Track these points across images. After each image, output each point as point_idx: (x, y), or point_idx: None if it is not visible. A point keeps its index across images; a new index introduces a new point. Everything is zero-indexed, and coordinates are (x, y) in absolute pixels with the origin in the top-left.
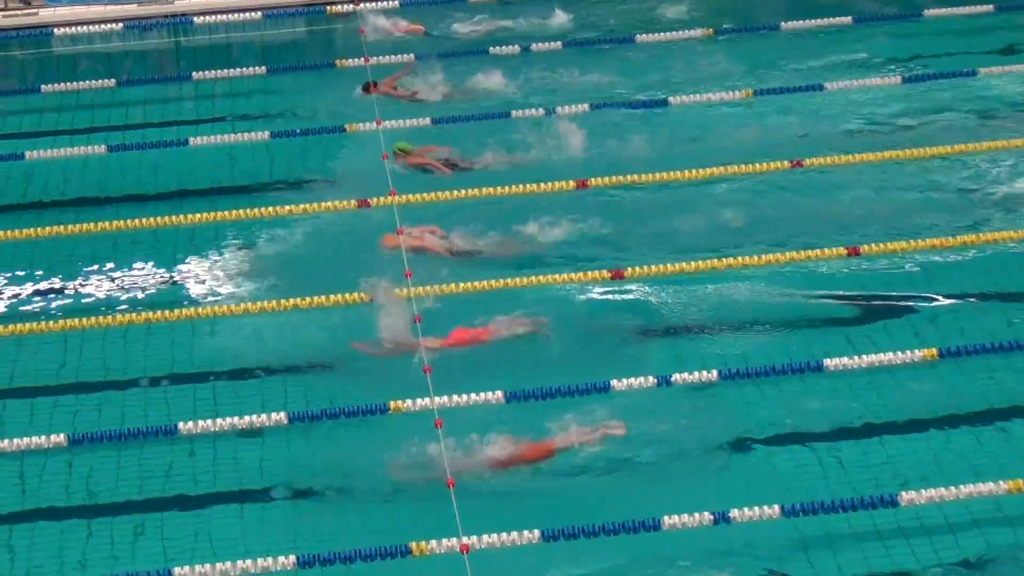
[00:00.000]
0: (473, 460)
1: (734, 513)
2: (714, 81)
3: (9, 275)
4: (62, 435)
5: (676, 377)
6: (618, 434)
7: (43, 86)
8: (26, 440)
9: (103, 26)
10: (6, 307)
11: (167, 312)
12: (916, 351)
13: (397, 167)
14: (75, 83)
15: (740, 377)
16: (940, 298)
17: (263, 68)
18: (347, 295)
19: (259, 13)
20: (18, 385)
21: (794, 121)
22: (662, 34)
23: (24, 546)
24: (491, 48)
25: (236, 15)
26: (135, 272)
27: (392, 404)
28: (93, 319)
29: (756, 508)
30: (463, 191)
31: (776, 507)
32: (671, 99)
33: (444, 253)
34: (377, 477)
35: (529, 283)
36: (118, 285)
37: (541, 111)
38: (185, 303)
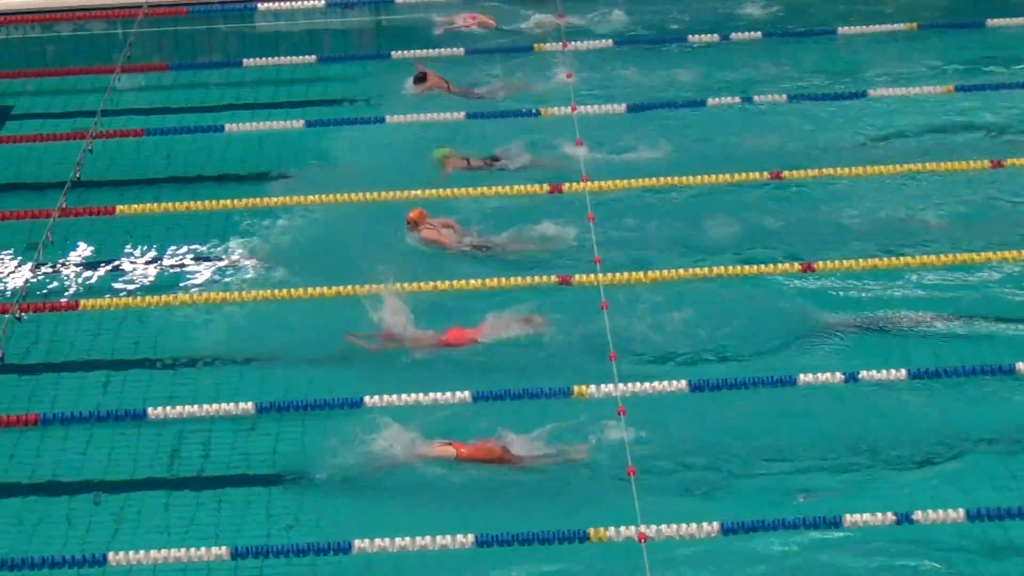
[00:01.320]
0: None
1: (917, 515)
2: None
3: (206, 245)
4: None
5: (864, 374)
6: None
7: (245, 60)
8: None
9: (306, 2)
10: (224, 276)
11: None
12: None
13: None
14: (276, 58)
15: (931, 377)
16: None
17: (461, 49)
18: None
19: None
20: None
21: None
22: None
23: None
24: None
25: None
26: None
27: (576, 389)
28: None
29: (940, 511)
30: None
31: (961, 511)
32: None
33: (455, 248)
34: (559, 461)
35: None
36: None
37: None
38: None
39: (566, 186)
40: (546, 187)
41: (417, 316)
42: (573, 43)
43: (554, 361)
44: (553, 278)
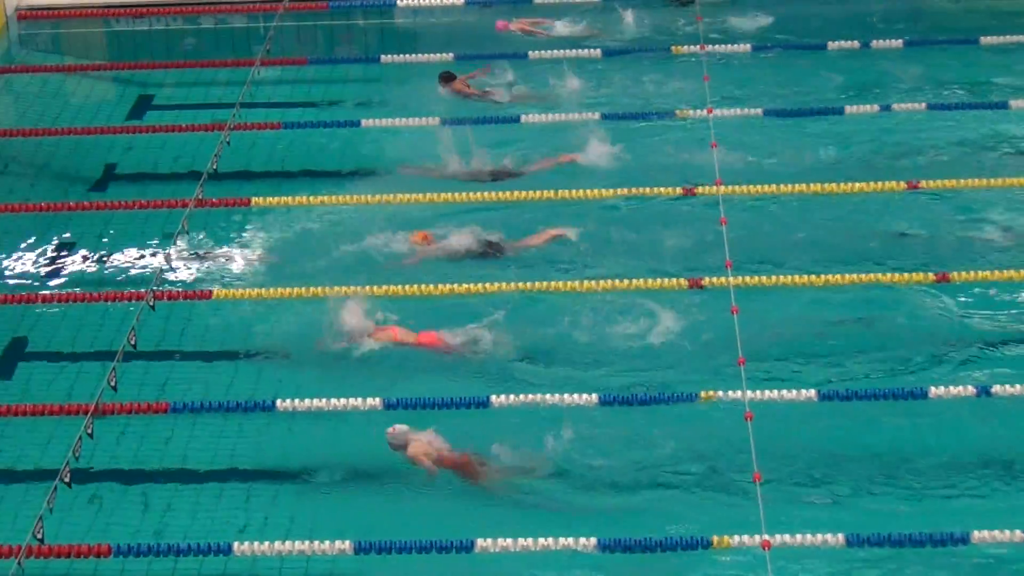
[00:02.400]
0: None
1: None
2: None
3: (340, 239)
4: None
5: (997, 389)
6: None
7: (383, 56)
8: None
9: (444, 0)
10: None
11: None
12: None
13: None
14: (413, 55)
15: None
16: None
17: (598, 52)
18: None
19: None
20: None
21: None
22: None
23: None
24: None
25: None
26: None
27: (704, 393)
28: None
29: None
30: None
31: None
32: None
33: (463, 254)
34: (681, 467)
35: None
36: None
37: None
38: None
39: (699, 188)
40: (679, 189)
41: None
42: (711, 46)
43: (682, 364)
44: (683, 281)
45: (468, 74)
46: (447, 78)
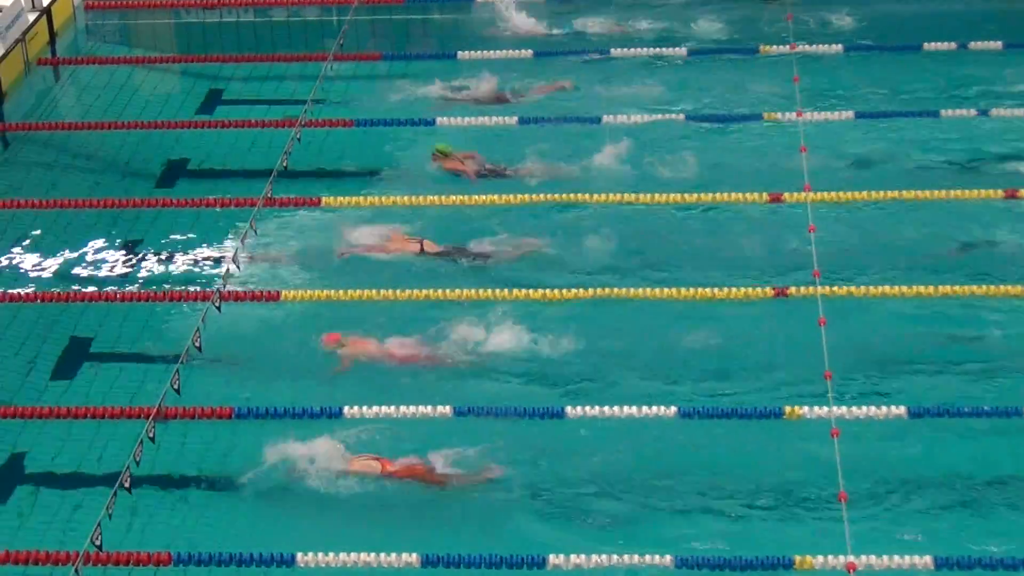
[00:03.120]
0: None
1: None
2: None
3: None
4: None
5: None
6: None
7: (459, 52)
8: None
9: None
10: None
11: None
12: None
13: (434, 168)
14: (491, 51)
15: None
16: None
17: (683, 50)
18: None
19: None
20: None
21: None
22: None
23: None
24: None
25: None
26: None
27: (788, 409)
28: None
29: None
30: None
31: None
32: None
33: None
34: (764, 483)
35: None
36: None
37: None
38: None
39: (787, 195)
40: (765, 196)
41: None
42: (801, 45)
43: (765, 377)
44: (768, 290)
45: (550, 85)
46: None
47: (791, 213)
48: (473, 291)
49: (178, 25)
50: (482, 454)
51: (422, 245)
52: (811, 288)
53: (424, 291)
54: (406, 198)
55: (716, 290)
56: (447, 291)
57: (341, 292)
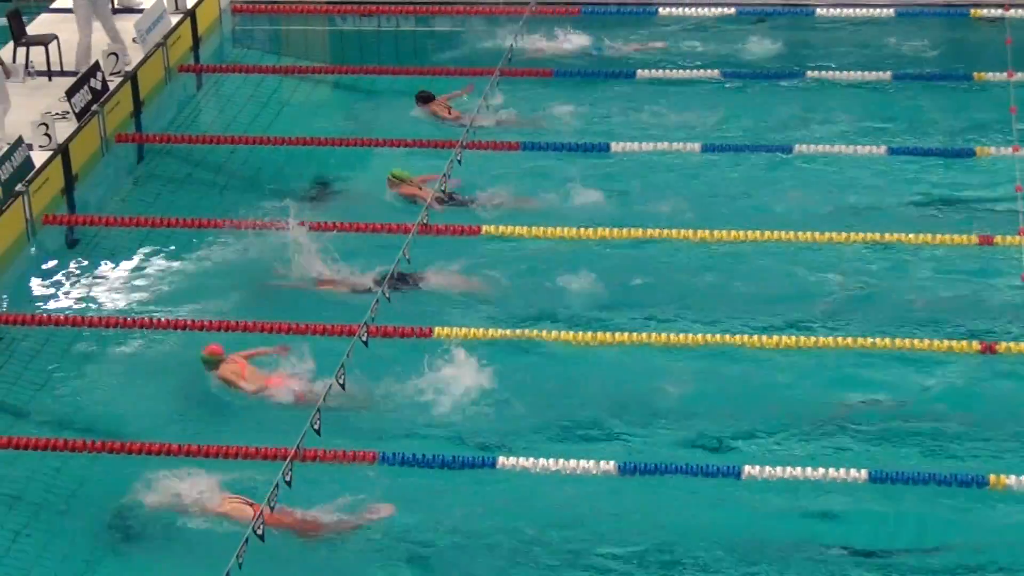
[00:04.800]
0: None
1: None
2: None
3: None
4: None
5: None
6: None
7: (638, 71)
8: None
9: (707, 10)
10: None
11: None
12: None
13: (389, 196)
14: (672, 70)
15: None
16: None
17: (887, 74)
18: None
19: (891, 11)
20: None
21: None
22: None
23: None
24: None
25: (863, 10)
26: None
27: (993, 479)
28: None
29: None
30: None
31: None
32: None
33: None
34: (964, 560)
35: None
36: None
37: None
38: None
39: (998, 238)
40: (974, 237)
41: None
42: (1021, 72)
43: (971, 441)
44: (975, 344)
45: (448, 95)
46: (424, 99)
47: (1002, 258)
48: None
49: (331, 33)
50: (362, 502)
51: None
52: None
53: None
54: (577, 231)
55: (916, 341)
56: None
57: (495, 331)
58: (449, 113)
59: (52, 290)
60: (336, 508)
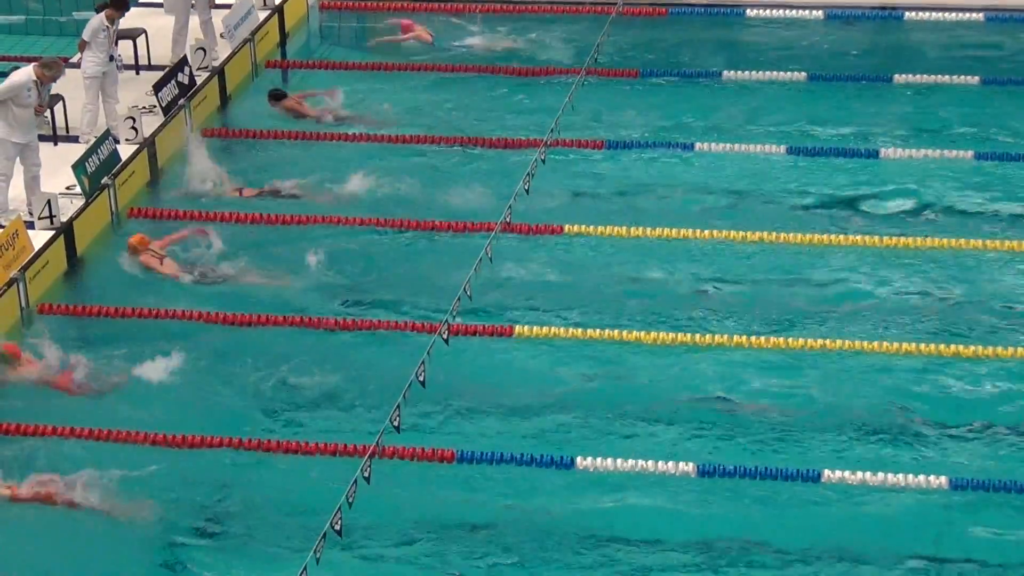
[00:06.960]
0: None
1: None
2: None
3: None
4: None
5: None
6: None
7: (724, 72)
8: None
9: (799, 12)
10: None
11: None
12: None
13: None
14: (760, 72)
15: None
16: None
17: (975, 78)
18: None
19: (980, 15)
20: None
21: None
22: None
23: None
24: None
25: (952, 14)
26: None
27: None
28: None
29: None
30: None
31: None
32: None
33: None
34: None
35: None
36: None
37: None
38: None
39: None
40: None
41: None
42: None
43: None
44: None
45: (303, 92)
46: (277, 96)
47: None
48: None
49: None
50: (128, 481)
51: None
52: None
53: None
54: (658, 230)
55: (962, 347)
56: None
57: (575, 331)
58: (302, 107)
59: (135, 283)
60: None
